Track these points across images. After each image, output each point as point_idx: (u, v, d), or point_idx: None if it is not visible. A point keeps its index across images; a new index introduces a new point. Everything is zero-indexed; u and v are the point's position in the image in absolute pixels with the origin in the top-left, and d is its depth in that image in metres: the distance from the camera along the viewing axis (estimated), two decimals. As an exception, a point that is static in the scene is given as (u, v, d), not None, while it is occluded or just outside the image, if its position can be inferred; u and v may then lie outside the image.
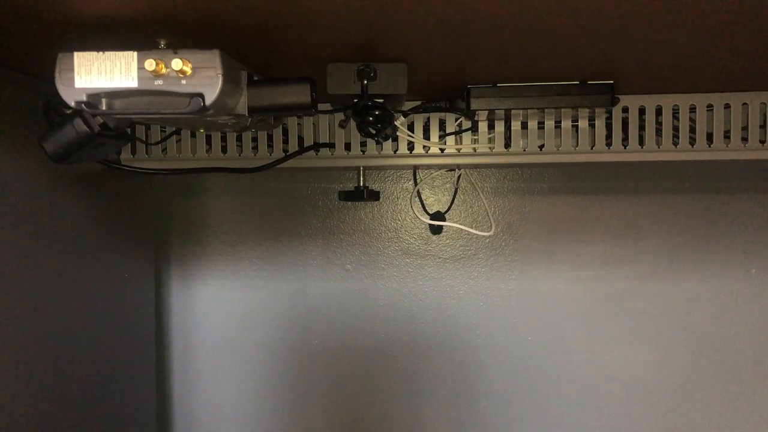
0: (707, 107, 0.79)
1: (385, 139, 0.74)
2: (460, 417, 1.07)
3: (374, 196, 0.97)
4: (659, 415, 1.04)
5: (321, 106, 0.69)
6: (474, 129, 0.83)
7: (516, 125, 0.82)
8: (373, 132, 0.66)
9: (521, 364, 1.05)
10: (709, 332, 1.02)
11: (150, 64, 0.48)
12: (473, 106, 0.74)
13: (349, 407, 1.08)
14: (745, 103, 0.79)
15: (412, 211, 1.00)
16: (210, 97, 0.50)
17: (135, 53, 0.50)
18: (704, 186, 1.02)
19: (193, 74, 0.50)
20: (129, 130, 0.73)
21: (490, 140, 0.82)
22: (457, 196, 1.02)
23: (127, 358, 0.91)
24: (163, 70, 0.49)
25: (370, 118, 0.63)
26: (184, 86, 0.50)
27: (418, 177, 0.96)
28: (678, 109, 0.80)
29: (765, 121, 0.79)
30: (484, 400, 1.06)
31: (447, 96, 0.80)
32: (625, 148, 0.81)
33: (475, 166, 0.99)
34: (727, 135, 0.79)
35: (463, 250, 1.06)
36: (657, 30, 0.57)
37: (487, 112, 0.77)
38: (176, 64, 0.48)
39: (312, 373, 1.09)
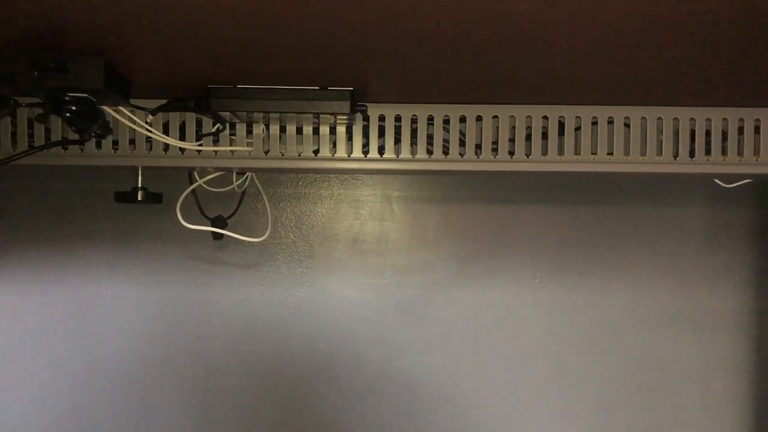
0: (460, 119, 0.80)
1: (97, 136, 0.70)
2: (252, 429, 1.04)
3: (154, 198, 0.92)
4: (451, 422, 1.05)
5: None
6: (233, 131, 0.80)
7: (274, 129, 0.80)
8: (84, 128, 0.62)
9: (314, 373, 1.04)
10: (497, 337, 1.05)
11: None
12: (213, 107, 0.72)
13: (133, 421, 1.03)
14: (495, 116, 0.81)
15: (188, 216, 0.95)
16: None
17: None
18: (494, 196, 1.04)
19: None
20: None
21: (249, 144, 0.80)
22: (245, 200, 1.00)
23: None
24: None
25: (68, 114, 0.59)
26: None
27: (194, 179, 0.93)
28: (448, 120, 0.81)
29: (515, 134, 0.81)
30: (275, 411, 1.04)
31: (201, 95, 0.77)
32: (381, 156, 0.81)
33: (260, 170, 0.96)
34: (478, 146, 0.81)
35: (258, 257, 1.04)
36: (369, 38, 0.56)
37: (245, 114, 0.75)
38: None
39: (96, 385, 1.02)
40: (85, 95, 0.60)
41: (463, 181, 1.03)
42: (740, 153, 0.81)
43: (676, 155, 0.81)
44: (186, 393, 1.03)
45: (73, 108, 0.59)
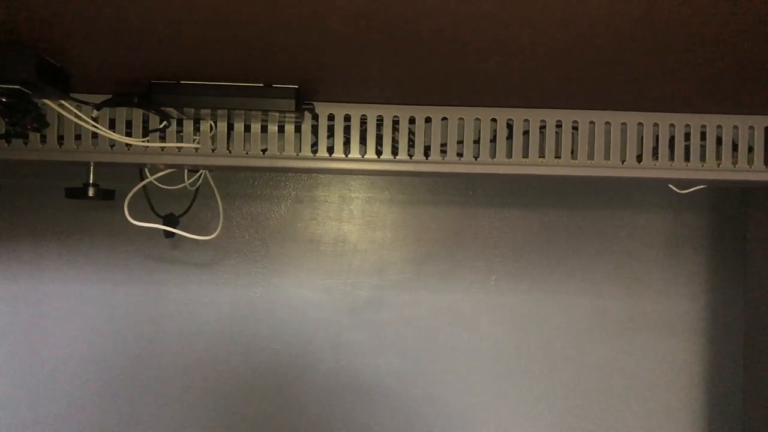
0: (409, 120, 0.80)
1: (34, 130, 0.69)
2: (203, 428, 1.03)
3: (105, 194, 0.91)
4: (405, 424, 1.04)
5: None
6: (181, 128, 0.80)
7: (222, 126, 0.79)
8: (16, 121, 0.61)
9: (267, 374, 1.03)
10: (452, 339, 1.05)
11: None
12: (155, 102, 0.71)
13: (81, 422, 1.01)
14: (445, 118, 0.81)
15: (141, 213, 0.95)
16: None
17: None
18: (451, 200, 1.04)
19: None
20: None
21: (196, 140, 0.80)
22: (200, 199, 0.99)
23: None
24: None
25: (-1, 106, 0.58)
26: None
27: (145, 176, 0.92)
28: (398, 121, 0.80)
29: (462, 137, 0.81)
30: (228, 411, 1.03)
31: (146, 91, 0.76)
32: (330, 155, 0.81)
33: (208, 167, 0.94)
34: (428, 148, 0.81)
35: (212, 256, 1.03)
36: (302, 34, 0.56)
37: (193, 110, 0.75)
38: None
39: (43, 383, 1.01)
40: (17, 87, 0.59)
41: (421, 183, 1.03)
42: (687, 159, 0.82)
43: (623, 160, 0.81)
44: (136, 392, 1.02)
45: (3, 100, 0.58)
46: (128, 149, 0.79)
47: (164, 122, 0.78)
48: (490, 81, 0.70)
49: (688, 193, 0.98)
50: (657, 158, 0.82)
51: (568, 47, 0.57)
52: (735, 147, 0.82)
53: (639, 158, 0.81)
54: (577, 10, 0.49)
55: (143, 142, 0.79)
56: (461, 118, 0.81)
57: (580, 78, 0.68)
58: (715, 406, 1.05)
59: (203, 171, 0.96)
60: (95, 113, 0.77)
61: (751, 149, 0.82)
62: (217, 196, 0.95)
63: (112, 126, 0.79)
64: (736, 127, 0.82)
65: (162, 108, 0.72)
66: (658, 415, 1.05)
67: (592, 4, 0.47)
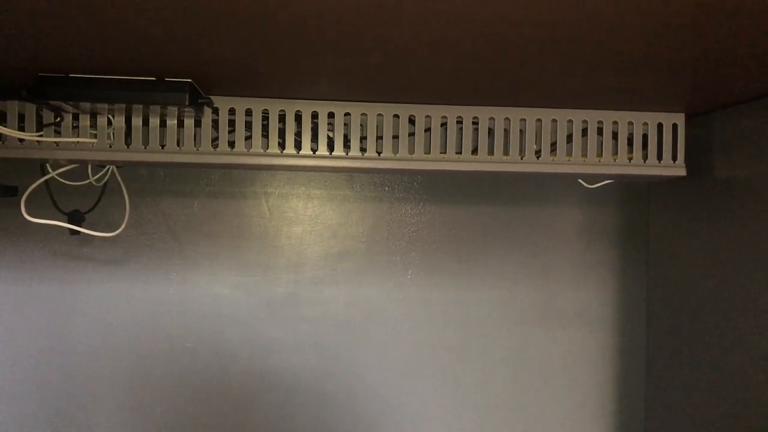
0: (312, 115, 0.81)
1: None
2: (116, 428, 1.01)
3: (6, 191, 0.89)
4: (322, 420, 1.05)
5: None
6: (76, 122, 0.78)
7: (119, 121, 0.78)
8: None
9: (180, 372, 1.02)
10: (368, 335, 1.05)
11: None
12: (44, 96, 0.69)
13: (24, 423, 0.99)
14: (347, 113, 0.81)
15: (46, 210, 0.92)
16: None
17: None
18: (368, 195, 1.05)
19: None
20: None
21: (93, 135, 0.78)
22: (109, 195, 0.97)
23: None
24: None
25: None
26: None
27: (46, 171, 0.89)
28: (300, 115, 0.81)
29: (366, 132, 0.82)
30: (141, 411, 1.01)
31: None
32: (231, 150, 0.80)
33: (108, 162, 0.93)
34: (331, 144, 0.81)
35: (123, 253, 1.01)
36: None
37: (89, 104, 0.74)
38: None
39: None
40: None
41: (339, 179, 1.04)
42: (584, 154, 0.85)
43: (522, 156, 0.83)
44: (44, 393, 0.99)
45: None
46: (21, 144, 0.77)
47: (58, 117, 0.77)
48: (378, 77, 0.71)
49: (596, 187, 1.02)
50: (555, 153, 0.84)
51: (459, 44, 0.59)
52: (630, 142, 0.86)
53: (538, 154, 0.84)
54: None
55: (37, 136, 0.77)
56: (364, 114, 0.81)
57: (475, 75, 0.69)
58: (623, 396, 1.08)
59: (110, 166, 0.94)
60: (-18, 106, 0.74)
61: (646, 145, 0.86)
62: (124, 191, 0.94)
63: (3, 120, 0.77)
64: (631, 123, 0.85)
65: (53, 102, 0.71)
66: (567, 405, 1.08)
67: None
